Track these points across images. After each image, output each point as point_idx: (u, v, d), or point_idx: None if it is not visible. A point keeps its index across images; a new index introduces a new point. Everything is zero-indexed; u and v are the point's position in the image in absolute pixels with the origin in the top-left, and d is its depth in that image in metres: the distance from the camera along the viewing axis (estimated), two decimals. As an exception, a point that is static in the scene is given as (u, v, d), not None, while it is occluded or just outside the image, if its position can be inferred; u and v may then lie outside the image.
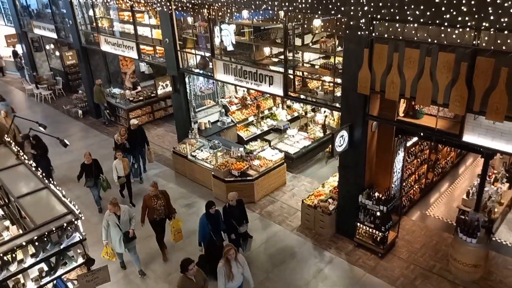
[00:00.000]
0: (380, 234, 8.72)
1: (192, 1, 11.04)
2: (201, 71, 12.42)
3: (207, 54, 11.91)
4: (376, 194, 8.79)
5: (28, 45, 21.07)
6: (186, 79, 13.11)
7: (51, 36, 18.53)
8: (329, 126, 13.65)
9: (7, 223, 7.06)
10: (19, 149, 7.83)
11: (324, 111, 13.79)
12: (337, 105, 9.15)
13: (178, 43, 12.44)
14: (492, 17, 6.02)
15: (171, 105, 16.00)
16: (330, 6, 8.04)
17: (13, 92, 21.61)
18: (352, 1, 7.60)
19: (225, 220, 8.42)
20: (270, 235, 9.84)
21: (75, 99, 18.25)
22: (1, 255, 5.25)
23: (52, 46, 21.23)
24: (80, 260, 6.02)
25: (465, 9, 6.23)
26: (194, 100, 13.74)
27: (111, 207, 8.19)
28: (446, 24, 6.52)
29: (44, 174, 7.21)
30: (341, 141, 8.48)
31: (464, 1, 6.20)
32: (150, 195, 8.74)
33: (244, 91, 14.65)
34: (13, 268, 5.46)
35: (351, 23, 7.74)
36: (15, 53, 22.84)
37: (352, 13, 7.67)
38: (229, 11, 10.68)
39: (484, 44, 6.33)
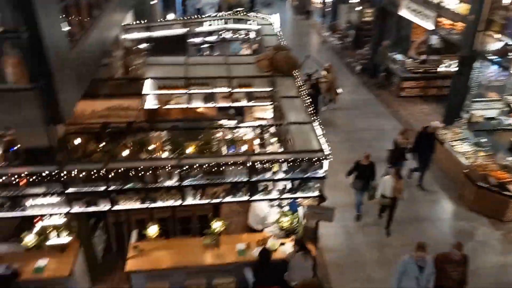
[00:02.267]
0: None
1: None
2: (498, 59, 11.01)
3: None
4: None
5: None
6: (476, 64, 11.90)
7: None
8: None
9: (274, 139, 8.68)
10: (302, 84, 9.20)
11: None
12: None
13: (482, 23, 11.25)
14: None
15: (447, 85, 14.92)
16: None
17: (310, 34, 24.70)
18: None
19: None
20: (510, 262, 8.61)
21: (358, 54, 19.25)
22: (265, 161, 6.67)
23: (356, 0, 22.46)
24: (316, 193, 6.99)
25: None
26: (476, 89, 12.43)
27: (419, 253, 6.31)
28: None
29: (315, 111, 8.35)
30: None
31: None
32: (451, 257, 6.53)
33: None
34: (268, 175, 6.84)
35: None
36: (324, 2, 25.48)
37: None
38: None
39: None
